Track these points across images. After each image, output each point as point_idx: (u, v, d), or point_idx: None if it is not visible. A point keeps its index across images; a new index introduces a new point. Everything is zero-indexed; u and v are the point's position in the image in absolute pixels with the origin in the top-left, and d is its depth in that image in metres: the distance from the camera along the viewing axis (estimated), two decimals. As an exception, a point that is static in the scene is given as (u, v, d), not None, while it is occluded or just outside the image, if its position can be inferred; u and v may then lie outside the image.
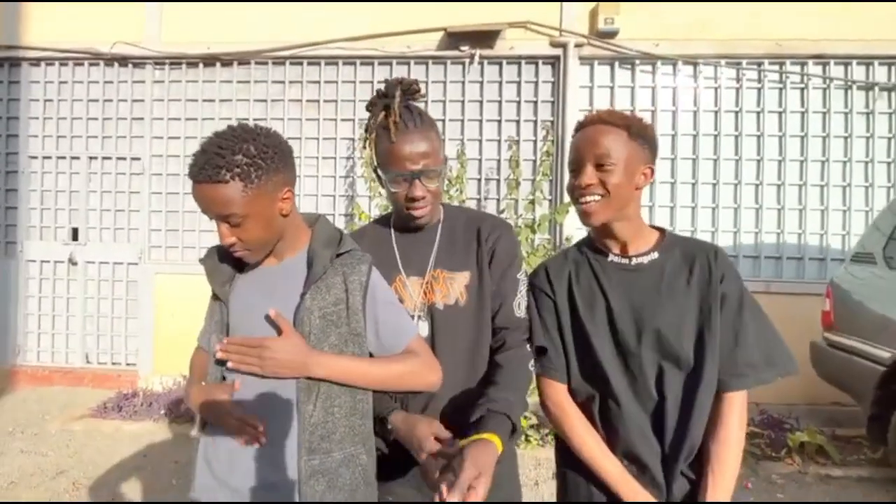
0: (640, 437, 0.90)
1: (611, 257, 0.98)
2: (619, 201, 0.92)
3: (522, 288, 1.06)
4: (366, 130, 1.05)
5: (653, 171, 0.96)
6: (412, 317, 1.02)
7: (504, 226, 1.12)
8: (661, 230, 1.01)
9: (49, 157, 4.06)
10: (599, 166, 0.91)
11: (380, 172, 1.03)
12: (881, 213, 2.96)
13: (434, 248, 1.07)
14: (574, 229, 3.60)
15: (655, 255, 0.96)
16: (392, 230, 1.11)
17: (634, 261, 0.96)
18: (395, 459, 1.00)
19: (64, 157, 4.05)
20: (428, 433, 0.89)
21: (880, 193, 3.62)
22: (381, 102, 1.02)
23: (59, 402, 3.53)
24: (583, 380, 0.95)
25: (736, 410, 0.89)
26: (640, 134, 0.93)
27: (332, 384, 0.90)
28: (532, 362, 1.02)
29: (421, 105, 1.06)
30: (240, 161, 0.83)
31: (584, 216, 0.95)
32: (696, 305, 0.91)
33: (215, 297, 0.96)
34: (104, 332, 4.03)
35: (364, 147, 1.10)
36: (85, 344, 4.03)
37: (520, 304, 1.05)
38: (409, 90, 1.02)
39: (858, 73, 3.65)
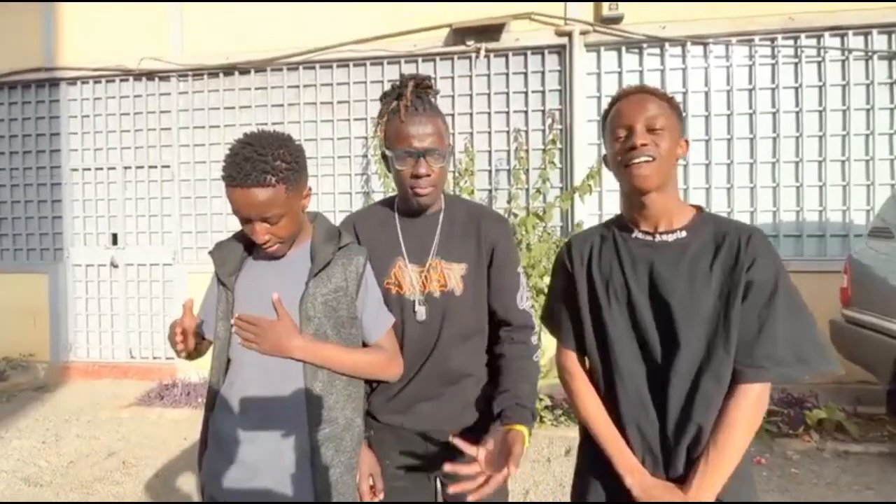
0: (640, 408, 0.89)
1: (635, 233, 0.95)
2: (668, 169, 0.90)
3: (524, 281, 1.13)
4: (378, 116, 1.11)
5: (688, 144, 0.96)
6: (412, 302, 1.09)
7: (504, 223, 1.17)
8: (699, 209, 0.96)
9: (88, 169, 4.38)
10: (651, 130, 0.89)
11: (388, 153, 1.08)
12: (901, 185, 2.88)
13: (435, 238, 1.11)
14: (586, 215, 3.63)
15: (683, 233, 0.92)
16: (396, 213, 1.16)
17: (658, 238, 0.93)
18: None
19: (101, 168, 4.36)
20: (366, 475, 1.07)
21: (906, 166, 3.49)
22: (394, 92, 1.09)
23: (108, 393, 3.84)
24: (593, 349, 0.96)
25: (747, 403, 0.84)
26: (676, 107, 0.94)
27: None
28: (537, 354, 1.10)
29: (431, 99, 1.11)
30: (280, 166, 0.92)
31: (638, 180, 0.89)
32: (716, 289, 0.86)
33: (221, 285, 1.05)
34: (145, 328, 4.33)
35: (375, 133, 1.16)
36: (129, 340, 4.34)
37: (522, 297, 1.11)
38: (422, 84, 1.08)
39: (879, 42, 3.52)
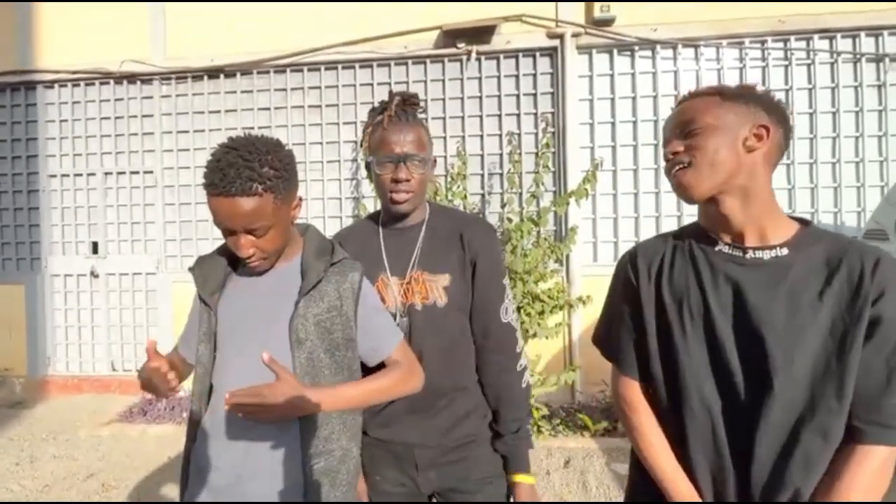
0: (712, 450, 0.76)
1: (719, 246, 0.80)
2: (716, 168, 0.77)
3: (509, 293, 1.11)
4: (364, 129, 1.12)
5: (769, 130, 0.78)
6: (393, 315, 1.06)
7: (489, 232, 1.14)
8: (805, 223, 0.81)
9: (67, 175, 4.22)
10: (686, 135, 0.80)
11: (370, 161, 1.08)
12: (893, 186, 2.89)
13: (416, 250, 1.09)
14: (580, 219, 3.59)
15: (784, 251, 0.76)
16: (380, 228, 1.15)
17: (751, 254, 0.77)
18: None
19: (81, 175, 4.21)
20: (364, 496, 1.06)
21: (895, 168, 3.52)
22: (380, 107, 1.09)
23: (89, 409, 3.68)
24: (659, 378, 0.82)
25: (871, 469, 0.70)
26: (739, 94, 0.80)
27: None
28: (526, 375, 1.11)
29: (420, 116, 1.13)
30: (268, 174, 0.84)
31: (679, 190, 0.81)
32: (825, 324, 0.71)
33: (203, 305, 0.96)
34: (128, 340, 4.18)
35: (361, 144, 1.16)
36: (110, 353, 4.19)
37: (507, 310, 1.09)
38: (409, 100, 1.09)
39: (867, 45, 3.55)
